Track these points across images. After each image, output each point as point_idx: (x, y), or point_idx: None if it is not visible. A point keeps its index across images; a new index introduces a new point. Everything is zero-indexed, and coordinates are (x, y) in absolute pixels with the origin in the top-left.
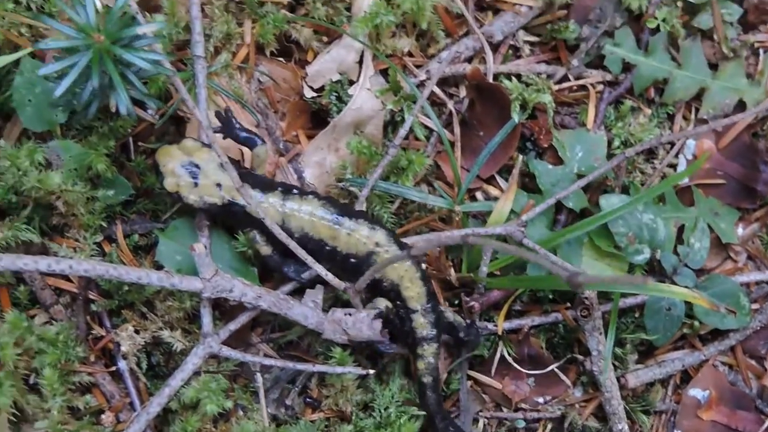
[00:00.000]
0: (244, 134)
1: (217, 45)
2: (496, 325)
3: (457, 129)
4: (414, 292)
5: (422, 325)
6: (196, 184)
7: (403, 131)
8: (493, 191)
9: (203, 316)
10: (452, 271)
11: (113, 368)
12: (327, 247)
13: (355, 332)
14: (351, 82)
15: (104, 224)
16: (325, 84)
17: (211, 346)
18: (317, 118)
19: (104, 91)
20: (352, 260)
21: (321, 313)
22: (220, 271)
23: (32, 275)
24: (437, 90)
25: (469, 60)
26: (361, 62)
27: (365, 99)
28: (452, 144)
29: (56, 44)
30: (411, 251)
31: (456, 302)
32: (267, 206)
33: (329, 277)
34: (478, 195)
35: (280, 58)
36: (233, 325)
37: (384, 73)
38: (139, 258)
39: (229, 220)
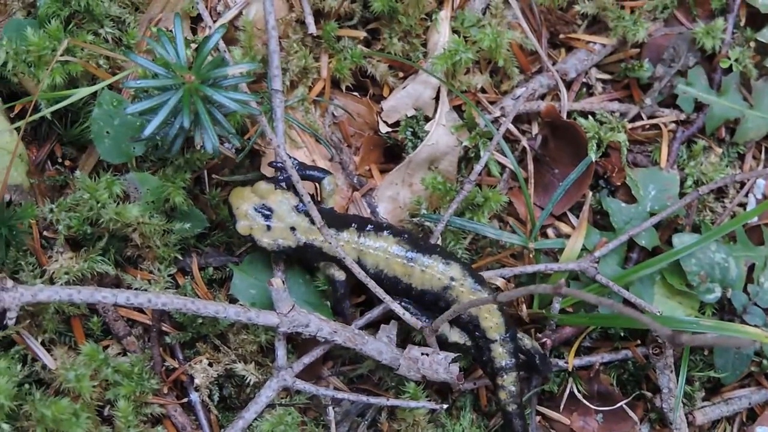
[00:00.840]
0: (307, 171)
1: (294, 79)
2: (566, 362)
3: (530, 166)
4: (493, 322)
5: (501, 354)
6: (269, 227)
7: (479, 167)
8: (565, 228)
9: (278, 350)
10: (524, 307)
11: (185, 400)
12: (402, 284)
13: (431, 373)
14: (426, 118)
15: (179, 256)
16: (400, 119)
17: (285, 379)
18: (389, 152)
19: (189, 128)
20: (428, 296)
21: (395, 349)
22: (297, 306)
23: (106, 306)
24: (511, 127)
25: (542, 97)
26: (436, 98)
27: (441, 135)
28: (525, 180)
29: (147, 83)
30: (497, 297)
31: None
32: (342, 244)
33: (406, 316)
34: (549, 232)
35: (355, 93)
36: (307, 359)
37: (458, 109)
38: (214, 291)
39: (303, 258)
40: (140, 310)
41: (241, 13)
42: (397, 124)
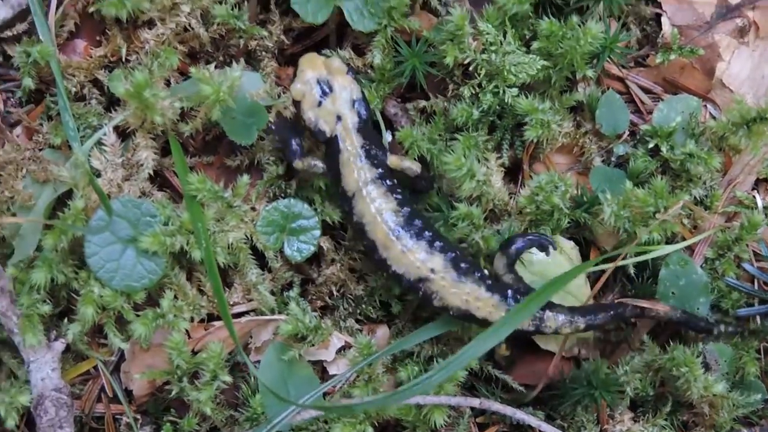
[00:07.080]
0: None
1: None
2: None
3: None
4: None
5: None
6: (320, 104)
7: None
8: None
9: None
10: None
11: None
12: (376, 255)
13: None
14: None
15: (745, 430)
16: None
17: None
18: None
19: None
20: (404, 282)
21: None
22: None
23: None
24: None
25: None
26: None
27: None
28: None
29: None
30: None
31: None
32: (356, 170)
33: None
34: None
35: None
36: None
37: None
38: None
39: (321, 152)
40: None
41: None
42: None
